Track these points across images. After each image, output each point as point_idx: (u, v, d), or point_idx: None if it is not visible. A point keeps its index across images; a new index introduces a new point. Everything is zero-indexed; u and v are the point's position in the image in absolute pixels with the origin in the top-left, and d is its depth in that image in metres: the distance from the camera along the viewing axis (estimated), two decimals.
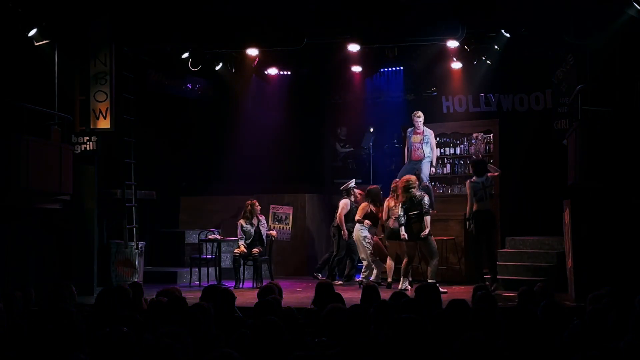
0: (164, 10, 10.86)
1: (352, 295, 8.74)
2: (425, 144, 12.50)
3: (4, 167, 9.28)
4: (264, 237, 12.10)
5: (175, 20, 10.91)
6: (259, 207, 12.20)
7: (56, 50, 10.94)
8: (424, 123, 12.62)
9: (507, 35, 10.91)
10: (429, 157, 12.56)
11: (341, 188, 12.48)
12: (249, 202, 12.15)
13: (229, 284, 11.25)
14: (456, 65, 12.76)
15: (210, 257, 12.32)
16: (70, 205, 10.76)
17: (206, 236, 12.41)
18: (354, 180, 12.61)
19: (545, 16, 10.20)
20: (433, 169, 12.79)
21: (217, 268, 12.13)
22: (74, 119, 11.03)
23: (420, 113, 12.63)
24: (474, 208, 10.93)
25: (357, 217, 11.73)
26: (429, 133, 12.61)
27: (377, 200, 11.80)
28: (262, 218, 12.27)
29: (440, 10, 10.30)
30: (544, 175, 12.72)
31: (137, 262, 11.77)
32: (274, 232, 12.54)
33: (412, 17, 10.35)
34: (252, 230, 12.01)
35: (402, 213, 10.83)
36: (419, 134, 12.53)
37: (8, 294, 6.79)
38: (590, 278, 9.27)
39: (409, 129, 12.74)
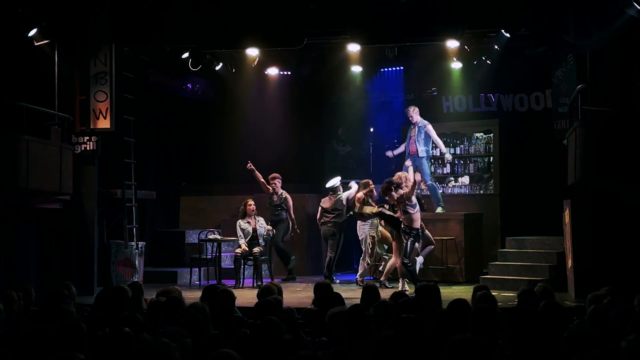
0: (164, 10, 10.86)
1: (352, 295, 8.74)
2: (420, 138, 12.45)
3: (4, 167, 9.27)
4: (262, 237, 12.07)
5: (176, 20, 10.90)
6: (252, 207, 12.12)
7: (56, 50, 10.94)
8: (424, 118, 12.64)
9: (507, 35, 10.91)
10: (425, 152, 12.46)
11: (328, 186, 12.40)
12: (245, 202, 12.19)
13: (229, 284, 11.25)
14: (456, 65, 12.76)
15: (210, 257, 12.31)
16: (70, 205, 10.76)
17: (206, 236, 12.42)
18: (339, 178, 12.57)
19: (545, 16, 10.20)
20: (449, 156, 12.78)
21: (217, 268, 12.13)
22: (74, 119, 11.03)
23: (413, 107, 12.64)
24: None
25: (371, 210, 11.45)
26: (424, 125, 12.47)
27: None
28: (261, 219, 12.25)
29: (440, 10, 10.29)
30: (544, 175, 12.73)
31: (137, 262, 11.77)
32: (269, 227, 12.33)
33: (412, 17, 10.34)
34: (250, 229, 12.01)
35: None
36: (414, 127, 12.55)
37: (8, 294, 6.80)
38: (590, 278, 9.27)
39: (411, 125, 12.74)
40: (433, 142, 12.65)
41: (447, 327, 4.67)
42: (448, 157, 12.79)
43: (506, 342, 4.48)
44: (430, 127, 12.53)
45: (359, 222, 11.71)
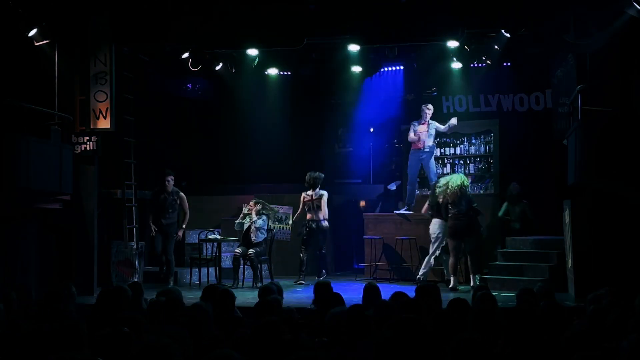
0: (164, 10, 10.86)
1: (352, 295, 8.74)
2: (429, 134, 12.58)
3: (4, 167, 9.27)
4: (257, 236, 12.03)
5: (176, 20, 10.91)
6: (253, 208, 12.16)
7: (56, 50, 10.94)
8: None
9: (507, 35, 10.91)
10: (434, 147, 12.71)
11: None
12: (249, 202, 12.20)
13: (229, 284, 11.26)
14: (456, 65, 12.77)
15: (210, 257, 12.31)
16: (70, 205, 10.76)
17: (206, 236, 12.41)
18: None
19: (545, 16, 10.20)
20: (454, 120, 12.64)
21: (217, 268, 12.13)
22: (74, 119, 11.02)
23: (430, 106, 12.72)
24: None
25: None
26: (434, 123, 12.69)
27: None
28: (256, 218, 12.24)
29: (440, 10, 10.29)
30: (544, 175, 12.73)
31: (137, 262, 11.76)
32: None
33: (412, 17, 10.35)
34: (244, 227, 12.01)
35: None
36: (424, 124, 12.61)
37: (8, 294, 6.79)
38: (590, 278, 9.27)
39: (414, 122, 12.75)
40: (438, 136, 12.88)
41: (447, 327, 4.68)
42: (453, 121, 12.71)
43: (506, 342, 4.48)
44: (436, 123, 12.72)
45: (438, 220, 11.70)
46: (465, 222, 11.19)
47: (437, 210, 11.59)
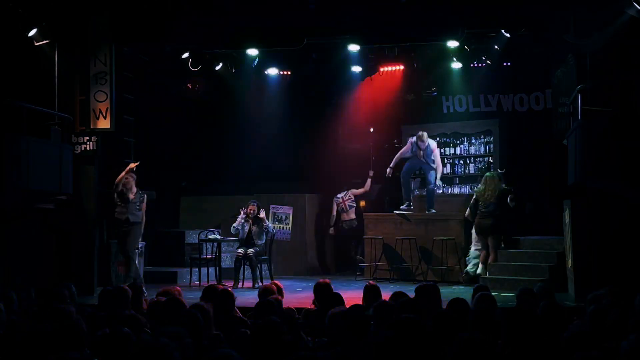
0: (164, 10, 10.86)
1: (352, 295, 8.74)
2: (428, 157, 12.68)
3: (4, 167, 9.27)
4: (260, 238, 12.04)
5: (176, 20, 10.91)
6: (252, 209, 12.12)
7: (56, 50, 10.95)
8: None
9: (507, 35, 10.91)
10: (433, 167, 12.74)
11: None
12: (248, 204, 12.20)
13: (229, 284, 11.26)
14: (456, 65, 12.77)
15: (210, 257, 12.31)
16: (70, 205, 10.76)
17: (206, 236, 12.41)
18: None
19: (545, 16, 10.20)
20: (439, 182, 12.89)
21: (217, 268, 12.13)
22: (74, 119, 11.03)
23: (425, 136, 12.66)
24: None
25: None
26: (433, 147, 12.73)
27: None
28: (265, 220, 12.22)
29: (440, 10, 10.30)
30: (544, 175, 12.73)
31: (137, 262, 11.75)
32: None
33: (412, 17, 10.35)
34: (246, 229, 11.99)
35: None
36: (423, 149, 12.66)
37: (8, 294, 6.79)
38: (590, 278, 9.27)
39: (412, 139, 12.74)
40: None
41: (447, 327, 4.67)
42: (438, 182, 12.84)
43: (506, 342, 4.48)
44: (437, 152, 12.81)
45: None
46: (490, 222, 11.51)
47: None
